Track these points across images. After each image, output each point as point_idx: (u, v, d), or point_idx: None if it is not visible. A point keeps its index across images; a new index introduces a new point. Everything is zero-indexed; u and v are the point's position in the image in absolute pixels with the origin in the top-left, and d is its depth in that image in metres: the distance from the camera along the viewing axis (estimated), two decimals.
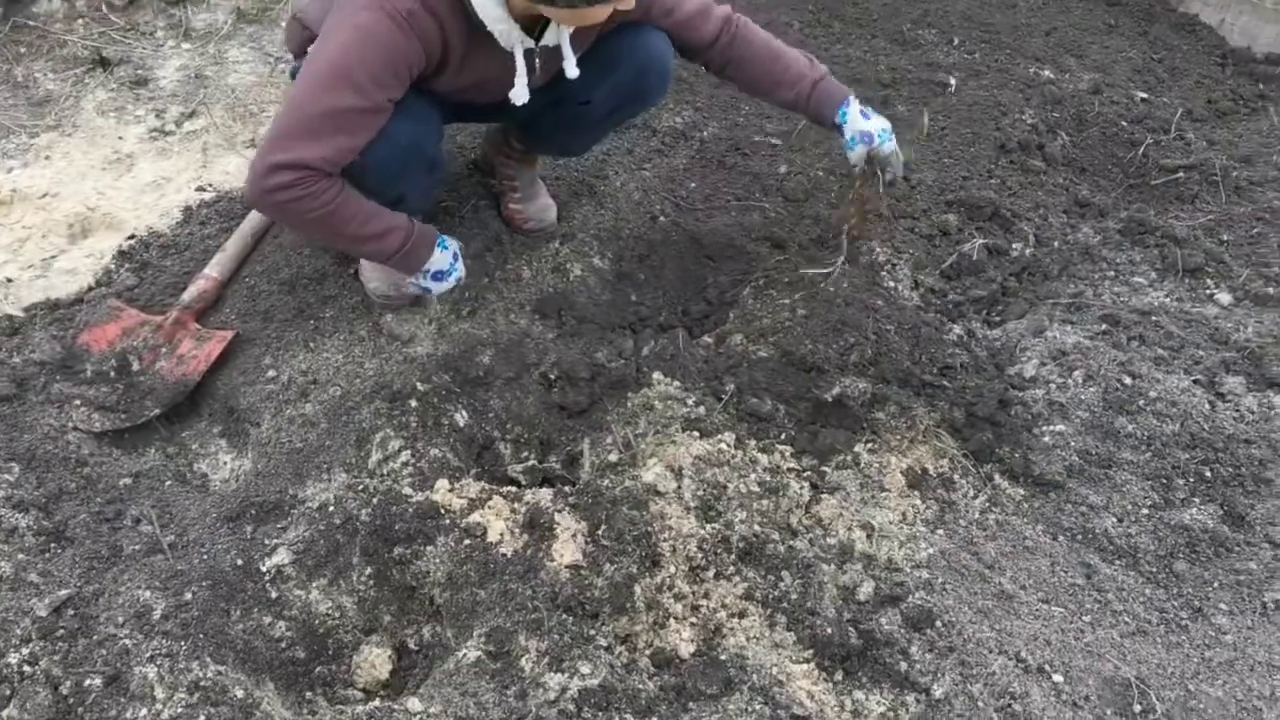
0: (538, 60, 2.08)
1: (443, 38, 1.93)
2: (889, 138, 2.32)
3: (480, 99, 2.17)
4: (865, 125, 2.29)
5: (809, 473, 2.12)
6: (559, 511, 1.95)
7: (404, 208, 2.12)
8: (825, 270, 2.45)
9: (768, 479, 2.05)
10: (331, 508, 1.97)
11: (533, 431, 2.27)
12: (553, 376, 2.30)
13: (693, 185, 2.82)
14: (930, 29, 3.53)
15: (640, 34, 2.22)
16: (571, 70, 2.09)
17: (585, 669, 1.72)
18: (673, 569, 1.88)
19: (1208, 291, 2.60)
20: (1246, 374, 2.33)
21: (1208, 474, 2.15)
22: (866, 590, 1.89)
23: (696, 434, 2.11)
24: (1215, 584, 2.00)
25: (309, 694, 1.81)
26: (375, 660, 1.85)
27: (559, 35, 2.06)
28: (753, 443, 2.15)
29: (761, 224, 2.70)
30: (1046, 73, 3.31)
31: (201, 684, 1.66)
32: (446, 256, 2.20)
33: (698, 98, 3.18)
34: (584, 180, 2.77)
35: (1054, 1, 3.73)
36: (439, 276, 2.20)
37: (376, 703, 1.74)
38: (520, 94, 2.05)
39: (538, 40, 2.05)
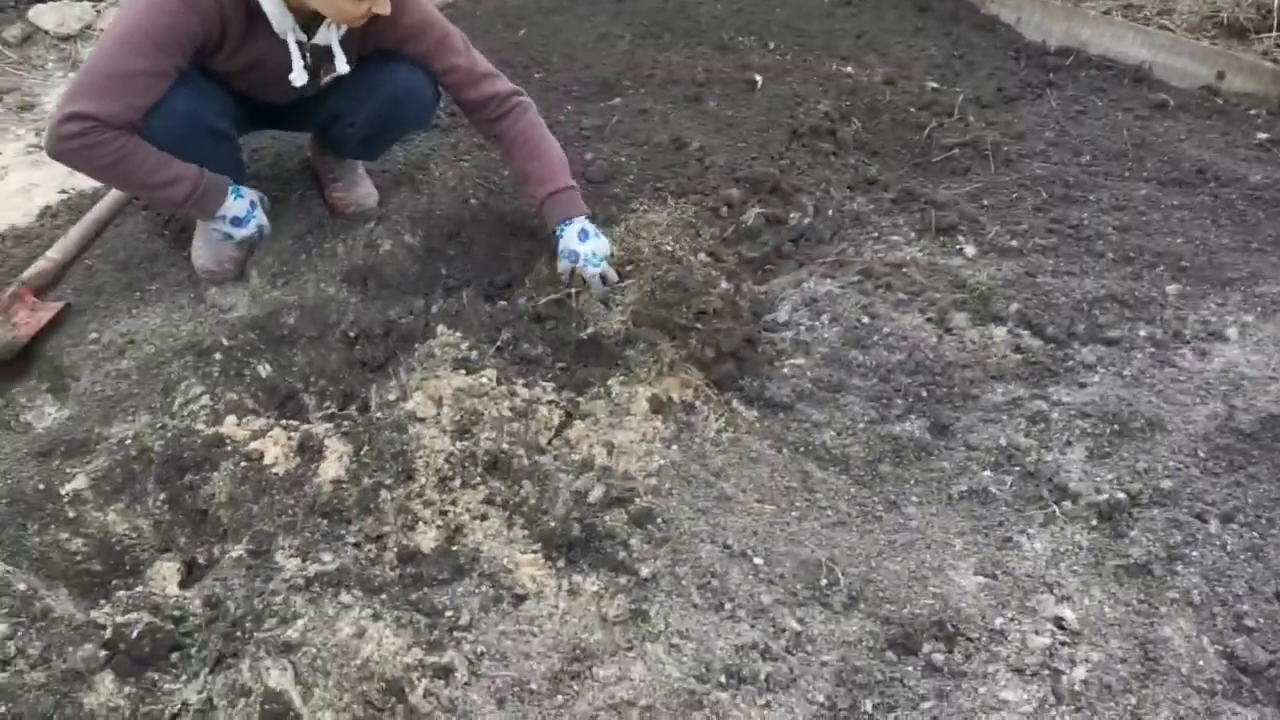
0: (308, 55, 2.39)
1: (221, 18, 2.25)
2: (598, 262, 2.52)
3: (261, 87, 2.47)
4: (577, 246, 2.52)
5: (565, 403, 2.39)
6: (329, 438, 2.22)
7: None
8: (558, 295, 2.58)
9: (521, 406, 2.32)
10: (129, 441, 2.23)
11: (336, 385, 2.53)
12: (352, 334, 2.58)
13: (506, 173, 3.12)
14: (750, 35, 3.88)
15: (394, 66, 2.53)
16: (341, 66, 2.41)
17: (327, 558, 1.98)
18: (424, 480, 2.15)
19: (957, 246, 2.89)
20: (974, 311, 2.62)
21: (924, 394, 2.43)
22: (597, 494, 2.15)
23: (463, 371, 2.39)
24: (911, 481, 2.26)
25: (102, 601, 2.06)
26: (165, 572, 2.10)
27: (329, 36, 2.38)
28: (520, 381, 2.42)
29: None
30: (848, 69, 3.65)
31: None
32: (243, 204, 2.51)
33: None
34: (406, 171, 3.07)
35: (869, 10, 4.10)
36: (237, 222, 2.53)
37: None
38: (299, 76, 2.36)
39: (310, 38, 2.36)
